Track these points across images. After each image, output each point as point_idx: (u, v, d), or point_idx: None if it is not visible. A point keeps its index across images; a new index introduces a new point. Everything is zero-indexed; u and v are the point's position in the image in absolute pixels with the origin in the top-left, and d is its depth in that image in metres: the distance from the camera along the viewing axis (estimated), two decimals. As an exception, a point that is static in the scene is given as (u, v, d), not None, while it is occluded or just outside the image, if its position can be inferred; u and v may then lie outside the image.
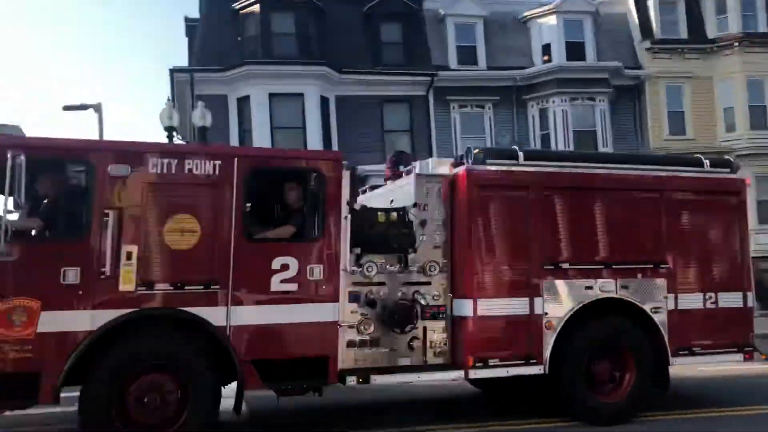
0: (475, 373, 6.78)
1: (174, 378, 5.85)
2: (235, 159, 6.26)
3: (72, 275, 5.67)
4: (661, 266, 7.43)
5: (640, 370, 7.21)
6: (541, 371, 6.90)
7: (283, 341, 6.26)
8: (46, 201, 6.15)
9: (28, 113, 62.66)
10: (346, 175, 6.62)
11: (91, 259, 5.73)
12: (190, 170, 6.10)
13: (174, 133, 16.78)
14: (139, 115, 65.70)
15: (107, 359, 5.65)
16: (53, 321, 5.57)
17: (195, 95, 20.44)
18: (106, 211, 5.79)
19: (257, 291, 6.17)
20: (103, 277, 5.71)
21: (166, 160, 6.06)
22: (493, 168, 7.14)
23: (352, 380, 6.41)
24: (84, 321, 5.64)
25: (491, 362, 6.77)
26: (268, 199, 6.79)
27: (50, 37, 66.30)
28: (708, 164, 7.99)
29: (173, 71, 21.76)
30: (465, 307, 6.76)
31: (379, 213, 6.90)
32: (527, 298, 6.93)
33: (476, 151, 7.22)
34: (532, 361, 6.87)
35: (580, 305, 7.04)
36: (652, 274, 7.38)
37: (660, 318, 7.30)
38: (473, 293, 6.76)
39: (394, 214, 6.90)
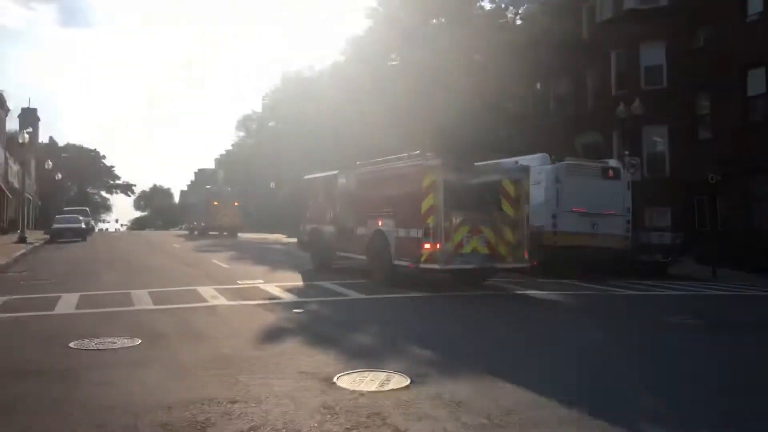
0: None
1: None
2: None
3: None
4: (392, 214, 14.54)
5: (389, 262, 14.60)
6: (366, 259, 15.73)
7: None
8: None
9: None
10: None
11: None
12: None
13: None
14: None
15: None
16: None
17: None
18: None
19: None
20: None
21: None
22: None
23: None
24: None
25: (347, 255, 16.99)
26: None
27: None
28: (407, 156, 14.90)
29: None
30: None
31: None
32: (365, 228, 15.73)
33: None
34: (363, 255, 15.80)
35: (373, 230, 15.24)
36: (390, 218, 14.63)
37: (392, 239, 14.40)
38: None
39: None
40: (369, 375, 6.68)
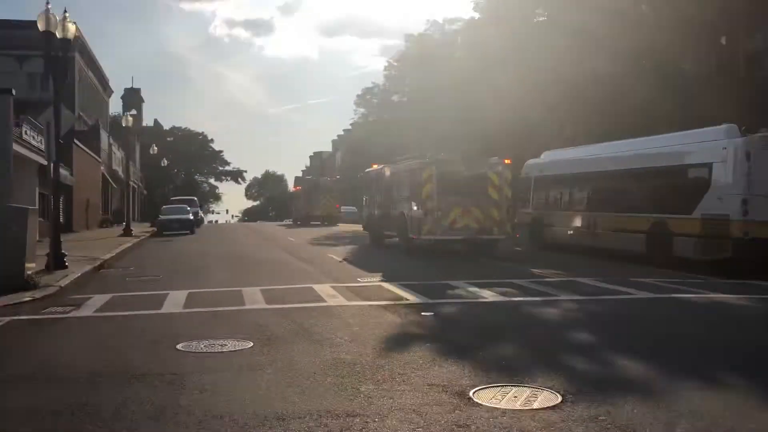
0: None
1: None
2: None
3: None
4: (409, 200, 23.93)
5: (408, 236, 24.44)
6: (396, 234, 25.70)
7: None
8: None
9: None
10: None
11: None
12: None
13: None
14: None
15: None
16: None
17: None
18: None
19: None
20: None
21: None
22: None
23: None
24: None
25: (388, 233, 27.32)
26: None
27: None
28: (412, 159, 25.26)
29: None
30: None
31: None
32: (395, 212, 25.68)
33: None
34: (395, 232, 25.85)
35: (398, 213, 25.04)
36: (407, 203, 23.95)
37: (409, 219, 23.66)
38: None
39: None
40: (511, 390, 6.61)
